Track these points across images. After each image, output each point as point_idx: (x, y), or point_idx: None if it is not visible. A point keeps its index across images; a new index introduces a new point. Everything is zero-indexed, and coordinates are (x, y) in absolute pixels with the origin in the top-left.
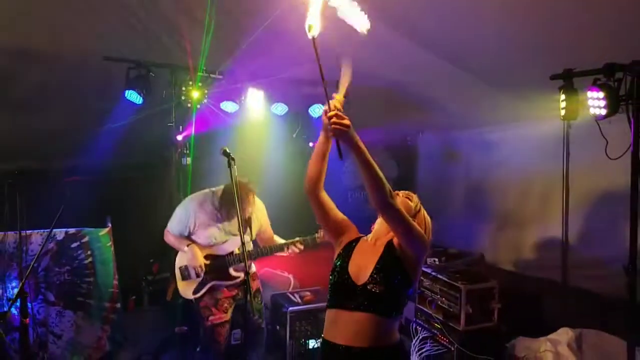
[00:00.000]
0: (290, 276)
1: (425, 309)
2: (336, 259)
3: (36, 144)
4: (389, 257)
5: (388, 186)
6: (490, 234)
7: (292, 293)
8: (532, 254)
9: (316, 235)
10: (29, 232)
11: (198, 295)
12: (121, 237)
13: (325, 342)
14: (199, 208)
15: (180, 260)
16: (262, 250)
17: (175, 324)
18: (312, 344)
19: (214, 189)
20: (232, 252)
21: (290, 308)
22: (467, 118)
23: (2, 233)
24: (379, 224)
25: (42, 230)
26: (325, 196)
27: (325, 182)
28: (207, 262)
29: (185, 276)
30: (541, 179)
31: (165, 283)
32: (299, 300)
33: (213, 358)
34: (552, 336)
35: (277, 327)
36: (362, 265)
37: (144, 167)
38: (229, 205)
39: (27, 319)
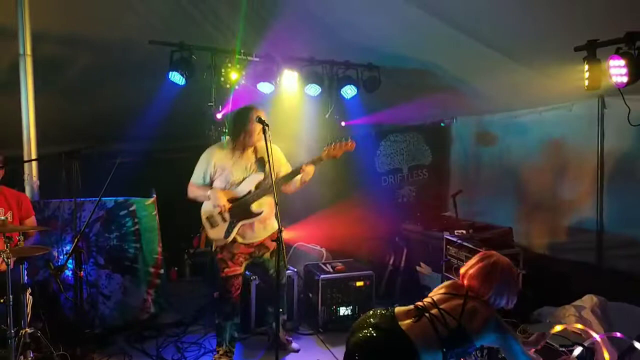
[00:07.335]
0: (323, 249)
1: (451, 277)
2: None
3: (87, 126)
4: None
5: None
6: (523, 218)
7: (324, 263)
8: (565, 237)
9: (322, 151)
10: (82, 200)
11: (230, 238)
12: (164, 212)
13: None
14: (214, 153)
15: (205, 210)
16: (279, 181)
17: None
18: (343, 311)
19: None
20: (249, 191)
21: (322, 276)
22: (499, 100)
23: (59, 200)
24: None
25: (94, 199)
26: None
27: (359, 167)
28: (230, 204)
29: (214, 223)
30: (575, 160)
31: (205, 257)
32: (331, 270)
33: (226, 305)
34: (576, 302)
35: (310, 295)
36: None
37: (186, 144)
38: (242, 141)
39: (82, 273)
